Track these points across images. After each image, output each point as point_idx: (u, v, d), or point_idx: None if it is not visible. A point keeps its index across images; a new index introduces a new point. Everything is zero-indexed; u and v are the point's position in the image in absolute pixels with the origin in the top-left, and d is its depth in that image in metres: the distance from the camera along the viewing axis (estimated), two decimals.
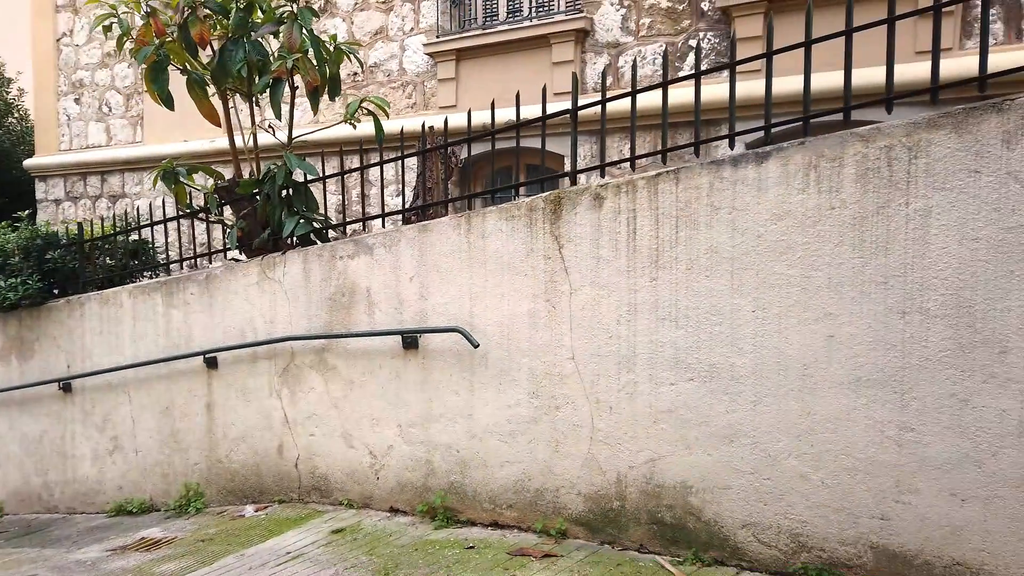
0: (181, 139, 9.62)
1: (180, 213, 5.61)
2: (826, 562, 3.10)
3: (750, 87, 5.42)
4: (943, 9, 2.98)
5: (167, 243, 5.80)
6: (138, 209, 7.41)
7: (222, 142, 9.09)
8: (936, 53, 2.94)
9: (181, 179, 5.35)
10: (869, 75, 4.10)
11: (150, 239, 6.42)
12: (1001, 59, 4.75)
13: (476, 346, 3.89)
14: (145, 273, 6.36)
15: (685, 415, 3.38)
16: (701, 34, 6.28)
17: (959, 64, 4.76)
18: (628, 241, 3.46)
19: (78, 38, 11.33)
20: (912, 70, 4.34)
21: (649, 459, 3.50)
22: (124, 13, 4.80)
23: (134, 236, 6.47)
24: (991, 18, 5.25)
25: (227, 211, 5.90)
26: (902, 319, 2.89)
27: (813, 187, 3.02)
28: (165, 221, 5.68)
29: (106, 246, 6.36)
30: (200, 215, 5.54)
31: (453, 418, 4.14)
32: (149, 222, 5.87)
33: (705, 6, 6.27)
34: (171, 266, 6.08)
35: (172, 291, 5.41)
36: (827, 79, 4.75)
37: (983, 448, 2.78)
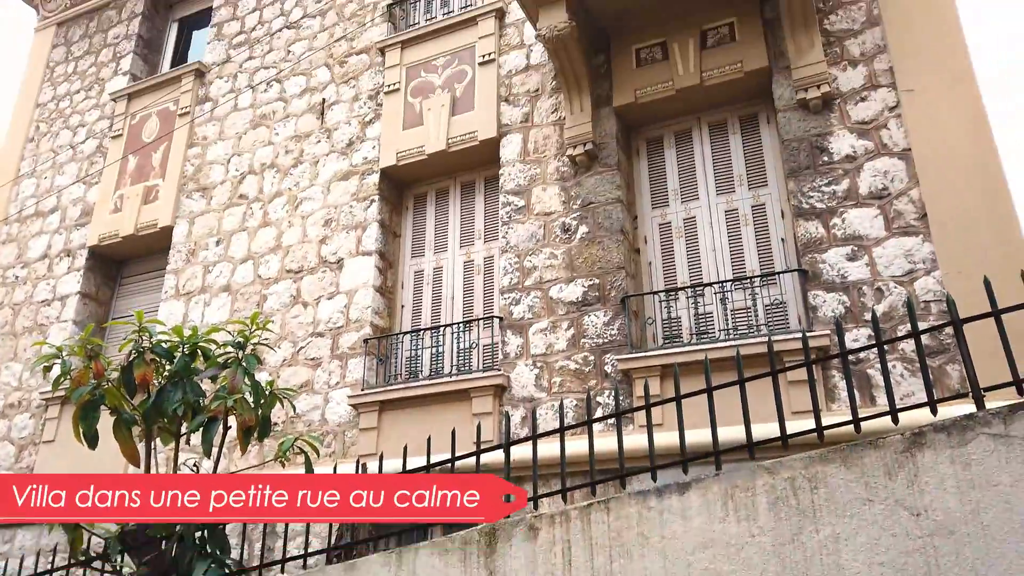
0: None
1: (71, 562, 5.16)
2: None
3: (661, 437, 5.92)
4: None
5: None
6: (6, 566, 6.73)
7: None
8: (816, 406, 3.52)
9: (82, 526, 5.04)
10: (764, 430, 4.65)
11: None
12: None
13: None
14: None
15: None
16: (606, 391, 6.98)
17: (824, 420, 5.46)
18: (564, 572, 3.49)
19: None
20: (793, 426, 4.95)
21: None
22: (68, 355, 4.99)
23: None
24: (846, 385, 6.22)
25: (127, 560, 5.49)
26: None
27: (732, 515, 3.27)
28: (51, 571, 5.18)
29: None
30: (94, 564, 5.11)
31: None
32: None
33: (608, 368, 7.09)
34: None
35: None
36: (730, 432, 5.32)
37: None
